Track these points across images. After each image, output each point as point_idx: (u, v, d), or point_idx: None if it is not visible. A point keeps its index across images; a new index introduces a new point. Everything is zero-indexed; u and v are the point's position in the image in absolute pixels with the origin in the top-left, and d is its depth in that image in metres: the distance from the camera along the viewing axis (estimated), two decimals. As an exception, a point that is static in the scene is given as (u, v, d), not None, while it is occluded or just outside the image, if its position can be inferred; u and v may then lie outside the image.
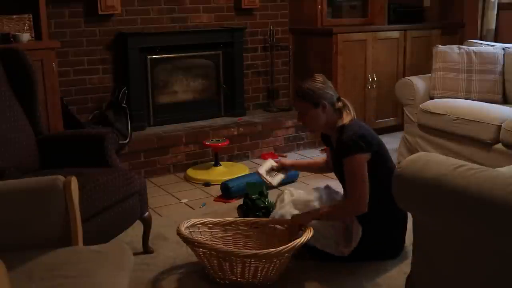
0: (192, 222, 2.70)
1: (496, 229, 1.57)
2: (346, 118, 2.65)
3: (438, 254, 1.85)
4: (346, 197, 2.66)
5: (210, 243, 2.65)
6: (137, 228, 2.87)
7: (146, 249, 2.87)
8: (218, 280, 2.52)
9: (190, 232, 2.66)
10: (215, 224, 2.76)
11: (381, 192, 2.50)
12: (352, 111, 2.70)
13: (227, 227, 2.77)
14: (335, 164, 2.79)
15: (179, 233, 2.53)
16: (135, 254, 2.72)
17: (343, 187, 2.79)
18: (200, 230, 2.73)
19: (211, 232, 2.75)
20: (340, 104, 2.69)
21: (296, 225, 2.63)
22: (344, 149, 2.57)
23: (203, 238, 2.69)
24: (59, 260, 1.82)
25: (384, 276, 2.57)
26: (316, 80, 2.67)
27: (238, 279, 2.46)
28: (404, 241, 2.77)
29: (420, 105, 4.14)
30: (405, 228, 2.73)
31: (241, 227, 2.78)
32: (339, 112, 2.68)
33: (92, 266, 1.78)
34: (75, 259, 1.83)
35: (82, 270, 1.75)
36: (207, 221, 2.75)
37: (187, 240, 2.50)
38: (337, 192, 2.91)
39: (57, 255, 1.85)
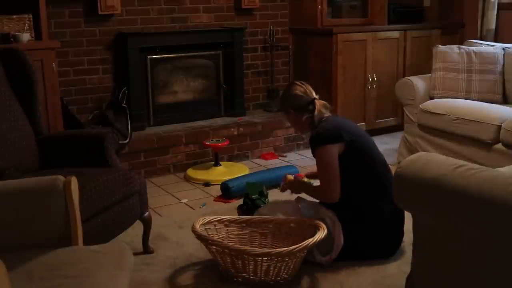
0: (208, 219, 2.72)
1: (496, 229, 1.57)
2: (317, 120, 2.77)
3: (438, 254, 1.85)
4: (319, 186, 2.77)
5: (226, 240, 2.67)
6: (137, 228, 2.87)
7: (146, 249, 2.87)
8: (232, 278, 2.54)
9: (206, 229, 2.68)
10: (231, 222, 2.78)
11: (360, 186, 2.63)
12: (325, 112, 2.79)
13: (243, 224, 2.78)
14: None
15: (193, 230, 2.55)
16: (135, 254, 2.72)
17: None
18: (216, 227, 2.74)
19: (227, 229, 2.76)
20: (311, 107, 2.80)
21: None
22: (311, 143, 2.73)
23: (219, 236, 2.71)
24: (59, 260, 1.82)
25: (384, 276, 2.57)
26: (287, 90, 2.90)
27: (251, 277, 2.48)
28: (399, 238, 2.77)
29: (420, 105, 4.14)
30: (398, 223, 2.72)
31: (257, 225, 2.78)
32: (311, 114, 2.79)
33: (92, 266, 1.78)
34: (75, 259, 1.83)
35: (82, 270, 1.75)
36: (223, 219, 2.77)
37: (201, 238, 2.52)
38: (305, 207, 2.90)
39: (57, 255, 1.85)
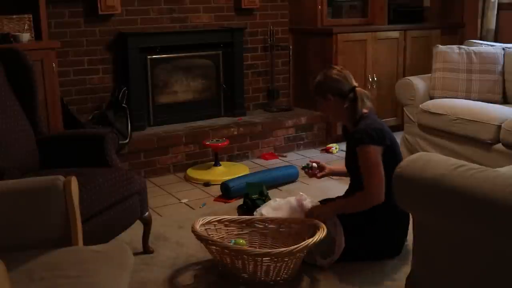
0: (208, 219, 2.72)
1: (496, 229, 1.57)
2: (360, 110, 2.67)
3: (438, 254, 1.85)
4: (363, 188, 2.62)
5: (226, 240, 2.66)
6: (137, 228, 2.87)
7: (146, 249, 2.86)
8: (232, 278, 2.53)
9: (206, 229, 2.68)
10: (231, 222, 2.77)
11: (388, 189, 2.51)
12: (367, 102, 2.70)
13: (243, 224, 2.78)
14: (347, 157, 2.81)
15: (193, 230, 2.55)
16: (135, 254, 2.72)
17: (352, 179, 2.80)
18: (216, 227, 2.74)
19: (227, 229, 2.76)
20: (351, 95, 2.69)
21: (313, 218, 2.65)
22: (357, 138, 2.60)
23: (219, 236, 2.71)
24: (59, 260, 1.82)
25: (384, 276, 2.57)
26: (326, 73, 2.73)
27: (251, 277, 2.48)
28: (404, 240, 2.77)
29: (420, 105, 4.14)
30: (406, 226, 2.73)
31: (257, 225, 2.78)
32: (351, 103, 2.69)
33: (92, 266, 1.78)
34: (75, 259, 1.83)
35: (82, 270, 1.75)
36: (223, 219, 2.77)
37: (201, 238, 2.52)
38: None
39: (57, 255, 1.85)
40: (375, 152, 2.57)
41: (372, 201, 2.58)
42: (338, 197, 2.89)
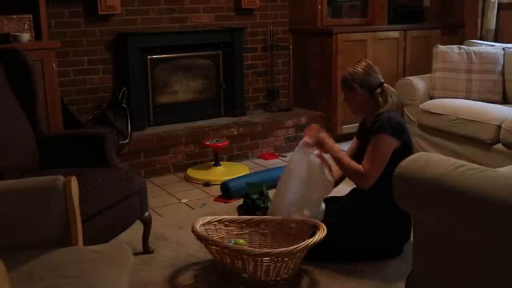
0: (208, 219, 2.72)
1: (496, 229, 1.57)
2: (384, 106, 2.72)
3: (438, 254, 1.85)
4: (361, 165, 2.65)
5: (226, 240, 2.66)
6: (137, 228, 2.87)
7: (146, 249, 2.86)
8: (231, 278, 2.54)
9: (206, 229, 2.68)
10: (231, 222, 2.77)
11: (386, 185, 2.50)
12: (392, 99, 2.75)
13: (243, 224, 2.78)
14: (358, 154, 2.78)
15: (193, 230, 2.55)
16: (135, 254, 2.72)
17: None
18: (216, 227, 2.74)
19: (227, 229, 2.76)
20: (379, 90, 2.74)
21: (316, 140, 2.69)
22: (378, 126, 2.62)
23: (218, 236, 2.71)
24: (59, 260, 1.82)
25: (384, 276, 2.57)
26: (356, 65, 2.80)
27: (251, 277, 2.48)
28: (405, 240, 2.78)
29: (420, 105, 4.14)
30: (407, 227, 2.73)
31: (257, 225, 2.78)
32: (377, 98, 2.74)
33: (92, 266, 1.78)
34: (75, 259, 1.83)
35: (82, 270, 1.75)
36: (223, 219, 2.77)
37: (201, 238, 2.52)
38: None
39: (57, 255, 1.85)
40: (391, 143, 2.61)
41: (364, 183, 2.62)
42: (342, 197, 2.91)
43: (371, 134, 2.66)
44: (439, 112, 3.97)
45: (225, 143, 4.15)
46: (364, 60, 2.85)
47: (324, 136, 2.76)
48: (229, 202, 3.61)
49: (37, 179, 2.07)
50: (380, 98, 2.74)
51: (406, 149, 2.64)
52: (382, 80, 2.78)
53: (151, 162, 4.17)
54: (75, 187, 2.00)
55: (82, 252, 1.91)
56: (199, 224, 2.63)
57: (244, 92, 4.91)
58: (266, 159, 4.55)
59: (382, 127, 2.61)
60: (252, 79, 5.05)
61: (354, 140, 2.98)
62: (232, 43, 4.72)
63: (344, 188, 2.96)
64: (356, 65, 2.80)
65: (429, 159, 1.80)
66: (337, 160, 2.71)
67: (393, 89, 2.80)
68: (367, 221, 2.68)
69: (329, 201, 2.84)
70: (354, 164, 2.68)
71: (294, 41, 5.15)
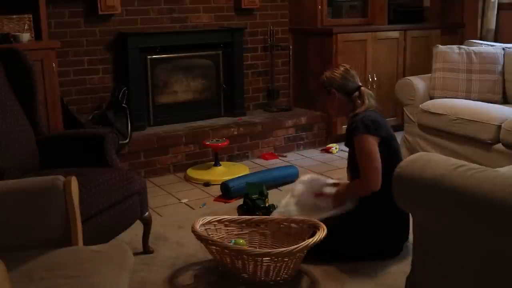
0: (208, 219, 2.72)
1: (496, 229, 1.57)
2: (360, 108, 2.77)
3: (438, 254, 1.85)
4: (359, 177, 2.67)
5: (226, 240, 2.66)
6: (137, 228, 2.87)
7: (146, 249, 2.86)
8: (231, 278, 2.53)
9: (206, 229, 2.68)
10: (231, 222, 2.77)
11: (384, 185, 2.54)
12: (369, 101, 2.79)
13: (243, 224, 2.78)
14: (350, 156, 2.83)
15: (193, 230, 2.55)
16: (135, 254, 2.72)
17: (352, 176, 2.81)
18: (216, 227, 2.74)
19: (227, 229, 2.76)
20: (356, 94, 2.80)
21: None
22: (353, 128, 2.67)
23: (218, 236, 2.71)
24: (59, 260, 1.82)
25: (384, 276, 2.57)
26: (334, 70, 2.86)
27: (251, 277, 2.48)
28: (404, 240, 2.78)
29: (420, 105, 4.14)
30: (406, 226, 2.73)
31: (257, 225, 2.78)
32: (355, 101, 2.80)
33: (92, 266, 1.78)
34: (75, 259, 1.83)
35: (82, 270, 1.75)
36: (223, 219, 2.77)
37: (201, 238, 2.52)
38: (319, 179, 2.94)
39: (57, 255, 1.85)
40: (371, 141, 2.63)
41: (370, 187, 2.61)
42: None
43: (349, 137, 2.72)
44: (439, 112, 3.97)
45: (225, 143, 4.15)
46: (342, 64, 2.90)
47: (330, 194, 2.79)
48: (229, 202, 3.61)
49: (37, 179, 2.07)
50: (358, 101, 2.80)
51: (387, 144, 2.68)
52: (360, 84, 2.84)
53: (151, 162, 4.17)
54: (75, 187, 2.00)
55: (82, 252, 1.91)
56: (199, 224, 2.63)
57: (244, 92, 4.91)
58: (266, 159, 4.55)
59: (357, 128, 2.66)
60: (252, 79, 5.05)
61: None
62: (232, 43, 4.72)
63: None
64: (334, 70, 2.85)
65: (429, 159, 1.80)
66: (343, 196, 2.73)
67: (370, 91, 2.86)
68: (367, 221, 2.68)
69: None
70: (352, 185, 2.73)
71: (294, 41, 5.15)
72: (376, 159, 2.61)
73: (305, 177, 2.96)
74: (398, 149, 2.78)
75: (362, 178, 2.64)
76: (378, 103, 2.88)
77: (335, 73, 2.83)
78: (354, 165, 2.73)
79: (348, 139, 2.75)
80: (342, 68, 2.85)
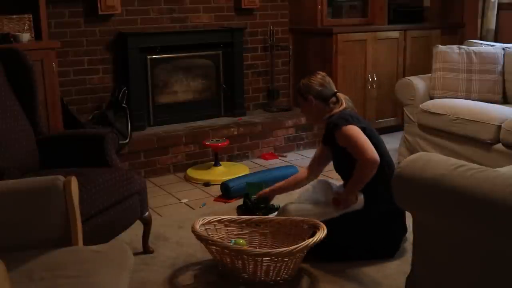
0: (208, 219, 2.72)
1: (496, 229, 1.57)
2: (337, 109, 2.82)
3: (438, 254, 1.85)
4: (350, 174, 2.69)
5: (226, 240, 2.66)
6: (137, 228, 2.87)
7: (146, 249, 2.86)
8: (231, 278, 2.53)
9: (206, 229, 2.68)
10: (231, 222, 2.78)
11: (378, 182, 2.60)
12: (347, 104, 2.84)
13: (243, 224, 2.78)
14: (335, 159, 2.87)
15: (193, 230, 2.55)
16: (135, 254, 2.72)
17: (344, 178, 2.82)
18: (216, 227, 2.74)
19: (227, 229, 2.77)
20: (333, 99, 2.85)
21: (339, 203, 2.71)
22: (333, 125, 2.71)
23: (218, 236, 2.71)
24: (59, 260, 1.82)
25: (384, 276, 2.57)
26: (311, 76, 2.91)
27: (251, 277, 2.48)
28: (401, 236, 2.78)
29: (420, 105, 4.14)
30: (402, 222, 2.74)
31: (257, 225, 2.78)
32: (331, 106, 2.84)
33: (92, 266, 1.78)
34: (75, 259, 1.83)
35: (82, 270, 1.75)
36: (223, 219, 2.77)
37: (201, 238, 2.52)
38: (330, 183, 2.93)
39: (57, 255, 1.85)
40: (354, 127, 2.67)
41: (373, 164, 2.61)
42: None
43: (330, 136, 2.74)
44: (439, 112, 3.97)
45: (225, 143, 4.15)
46: (319, 72, 2.95)
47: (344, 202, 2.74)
48: (229, 202, 3.61)
49: (37, 179, 2.07)
50: (335, 106, 2.84)
51: (367, 136, 2.69)
52: (335, 90, 2.90)
53: (151, 162, 4.17)
54: (75, 187, 2.00)
55: (82, 252, 1.91)
56: (199, 224, 2.63)
57: (244, 92, 4.91)
58: (266, 159, 4.55)
59: (336, 124, 2.70)
60: (252, 79, 5.06)
61: (320, 146, 3.02)
62: (232, 43, 4.72)
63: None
64: (311, 77, 2.90)
65: (429, 159, 1.80)
66: (355, 190, 2.70)
67: (346, 96, 2.91)
68: (366, 221, 2.68)
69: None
70: (354, 176, 2.67)
71: (294, 41, 5.16)
72: (364, 138, 2.65)
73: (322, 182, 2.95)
74: (379, 142, 2.77)
75: (363, 160, 2.62)
76: (355, 108, 2.94)
77: (312, 80, 2.88)
78: (341, 164, 2.78)
79: (328, 138, 2.79)
80: (319, 76, 2.90)
